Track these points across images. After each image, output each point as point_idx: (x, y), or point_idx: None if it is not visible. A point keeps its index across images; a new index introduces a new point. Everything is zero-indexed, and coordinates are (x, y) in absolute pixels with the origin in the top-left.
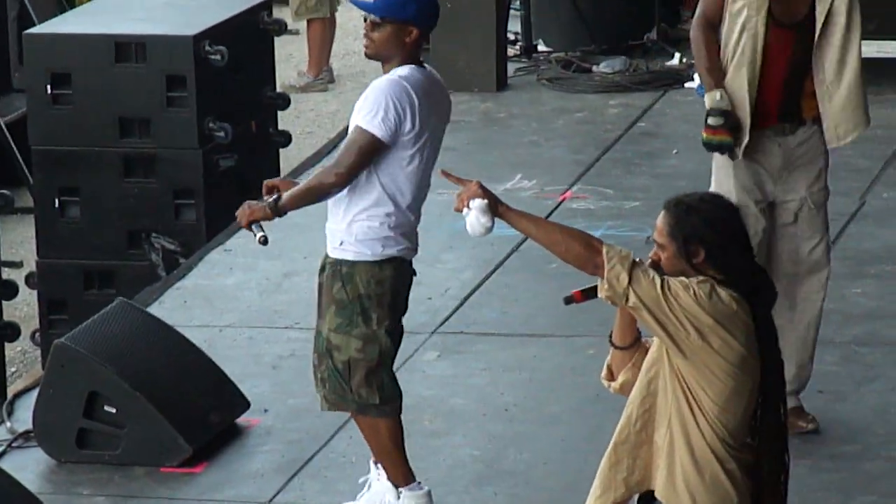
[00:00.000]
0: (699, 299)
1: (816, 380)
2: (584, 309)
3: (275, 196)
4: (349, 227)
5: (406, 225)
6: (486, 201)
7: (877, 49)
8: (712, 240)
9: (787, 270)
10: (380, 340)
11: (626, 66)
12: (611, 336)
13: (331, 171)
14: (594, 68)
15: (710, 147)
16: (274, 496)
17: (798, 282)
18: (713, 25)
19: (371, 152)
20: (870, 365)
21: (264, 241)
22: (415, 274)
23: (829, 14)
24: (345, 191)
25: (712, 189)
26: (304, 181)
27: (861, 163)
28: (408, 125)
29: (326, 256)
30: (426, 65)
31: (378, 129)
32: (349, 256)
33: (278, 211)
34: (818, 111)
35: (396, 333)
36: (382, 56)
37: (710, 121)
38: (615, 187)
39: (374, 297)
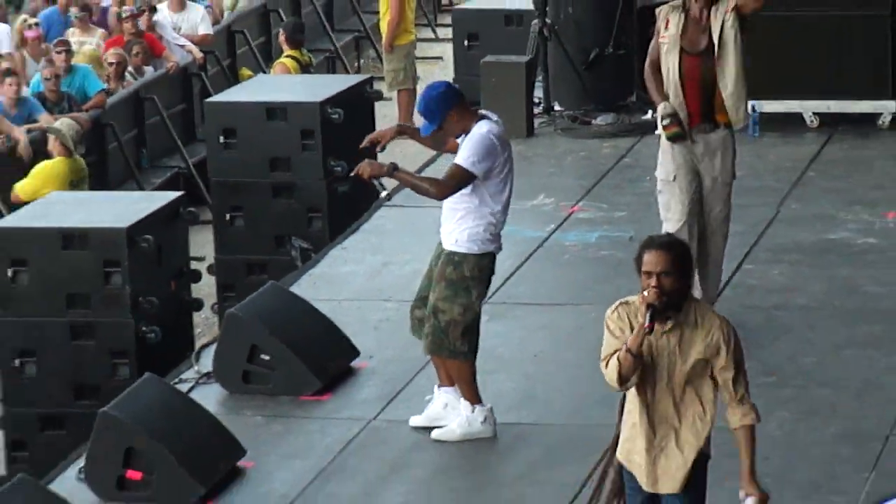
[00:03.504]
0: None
1: (753, 358)
2: (590, 285)
3: (393, 164)
4: (463, 231)
5: (497, 231)
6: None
7: (785, 107)
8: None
9: (706, 220)
10: (474, 309)
11: (615, 120)
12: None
13: (436, 187)
14: (593, 121)
15: (672, 139)
16: (377, 415)
17: (709, 231)
18: (656, 64)
19: (465, 183)
20: (784, 324)
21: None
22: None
23: (721, 43)
24: (461, 206)
25: (658, 170)
26: (420, 176)
27: (776, 185)
28: (498, 164)
29: (440, 247)
30: (487, 114)
31: (473, 168)
32: (462, 250)
33: (392, 176)
34: (727, 118)
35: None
36: (457, 133)
37: (664, 122)
38: (608, 203)
39: (476, 279)
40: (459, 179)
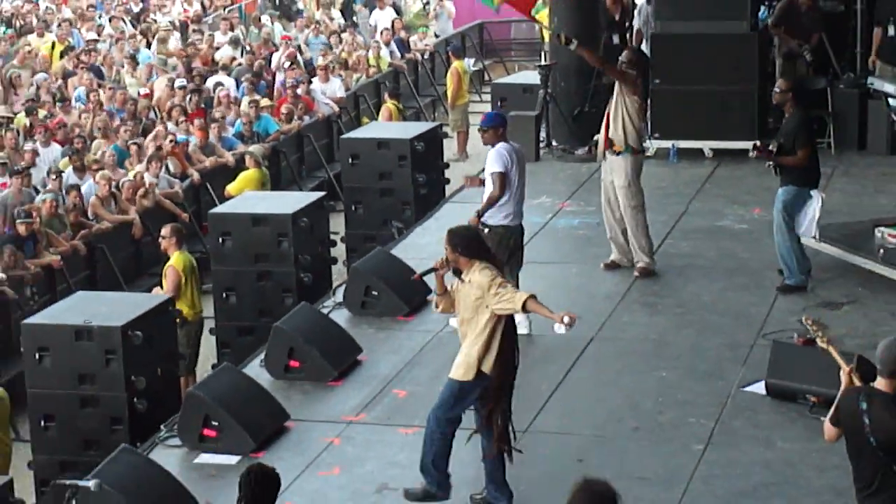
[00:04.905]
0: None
1: (670, 297)
2: (572, 251)
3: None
4: (490, 211)
5: (510, 212)
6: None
7: (692, 144)
8: (464, 243)
9: (619, 208)
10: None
11: (589, 150)
12: (435, 291)
13: (494, 192)
14: (576, 152)
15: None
16: (441, 329)
17: (624, 216)
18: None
19: (502, 179)
20: (690, 276)
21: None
22: (522, 231)
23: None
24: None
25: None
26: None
27: (686, 191)
28: (508, 167)
29: None
30: (511, 142)
31: (502, 168)
32: (489, 222)
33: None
34: (620, 147)
35: (515, 259)
36: (491, 143)
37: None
38: (585, 201)
39: (492, 240)
40: (496, 180)
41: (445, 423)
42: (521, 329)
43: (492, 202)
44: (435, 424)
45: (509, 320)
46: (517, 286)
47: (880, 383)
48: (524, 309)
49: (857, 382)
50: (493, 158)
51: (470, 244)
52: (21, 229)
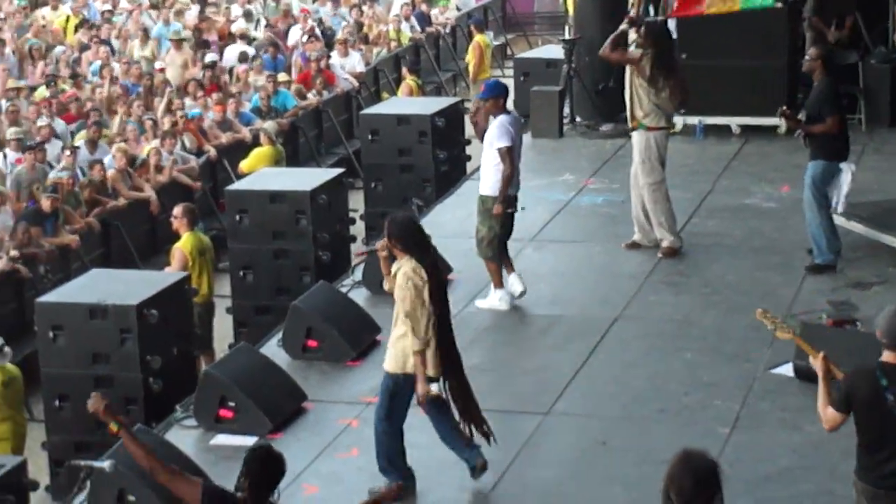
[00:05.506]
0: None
1: (696, 276)
2: (595, 229)
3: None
4: (488, 181)
5: (514, 180)
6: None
7: (720, 120)
8: (399, 235)
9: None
10: (495, 229)
11: (613, 128)
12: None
13: (506, 172)
14: (600, 128)
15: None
16: (463, 308)
17: (643, 194)
18: None
19: (509, 153)
20: (716, 255)
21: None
22: (517, 200)
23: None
24: (492, 166)
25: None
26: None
27: (713, 169)
28: (515, 139)
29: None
30: (511, 111)
31: (504, 143)
32: (487, 193)
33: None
34: (637, 123)
35: (505, 229)
36: (492, 113)
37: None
38: (609, 178)
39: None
40: (505, 155)
41: (387, 420)
42: (502, 306)
43: (507, 181)
44: (378, 424)
45: (439, 318)
46: (506, 252)
47: (889, 356)
48: (413, 354)
49: (835, 368)
50: (498, 133)
51: (405, 236)
52: (46, 204)
